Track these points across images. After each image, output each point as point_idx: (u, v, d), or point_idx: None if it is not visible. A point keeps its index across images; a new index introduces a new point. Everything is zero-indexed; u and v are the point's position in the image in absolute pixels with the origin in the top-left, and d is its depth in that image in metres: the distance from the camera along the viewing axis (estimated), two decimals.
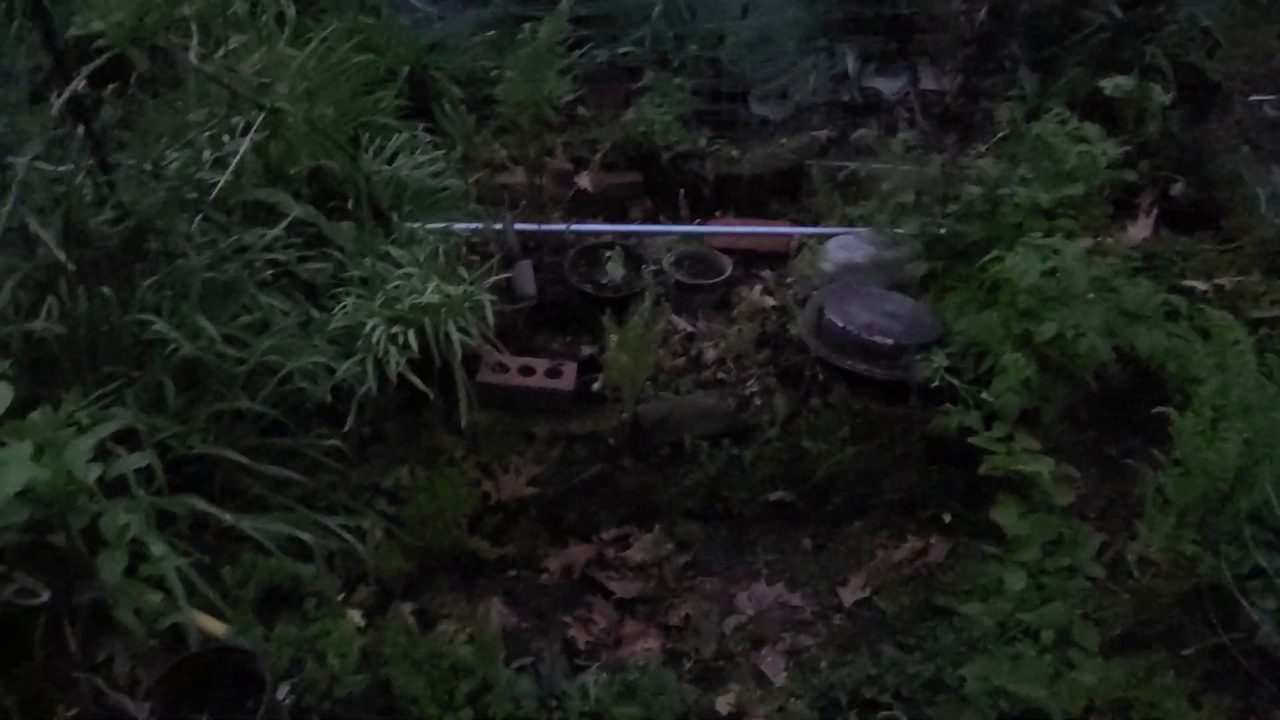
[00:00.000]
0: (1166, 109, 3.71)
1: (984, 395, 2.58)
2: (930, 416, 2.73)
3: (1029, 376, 2.48)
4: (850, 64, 4.12)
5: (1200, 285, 3.25)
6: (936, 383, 2.65)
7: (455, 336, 2.55)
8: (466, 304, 2.64)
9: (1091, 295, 2.52)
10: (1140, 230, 3.66)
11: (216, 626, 1.97)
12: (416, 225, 2.95)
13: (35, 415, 1.54)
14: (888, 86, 4.21)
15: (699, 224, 3.63)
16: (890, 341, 2.73)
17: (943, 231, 2.98)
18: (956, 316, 2.79)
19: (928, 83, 4.28)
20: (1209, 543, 2.14)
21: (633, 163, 3.97)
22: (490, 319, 2.63)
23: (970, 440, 2.30)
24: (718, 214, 3.84)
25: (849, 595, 2.64)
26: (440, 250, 2.84)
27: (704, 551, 2.80)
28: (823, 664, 2.43)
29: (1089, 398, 2.85)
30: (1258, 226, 3.57)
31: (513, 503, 2.71)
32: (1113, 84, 3.67)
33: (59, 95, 2.13)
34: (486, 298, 2.64)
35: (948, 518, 2.79)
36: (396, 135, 3.19)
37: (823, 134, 3.98)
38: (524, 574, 2.71)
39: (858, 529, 2.81)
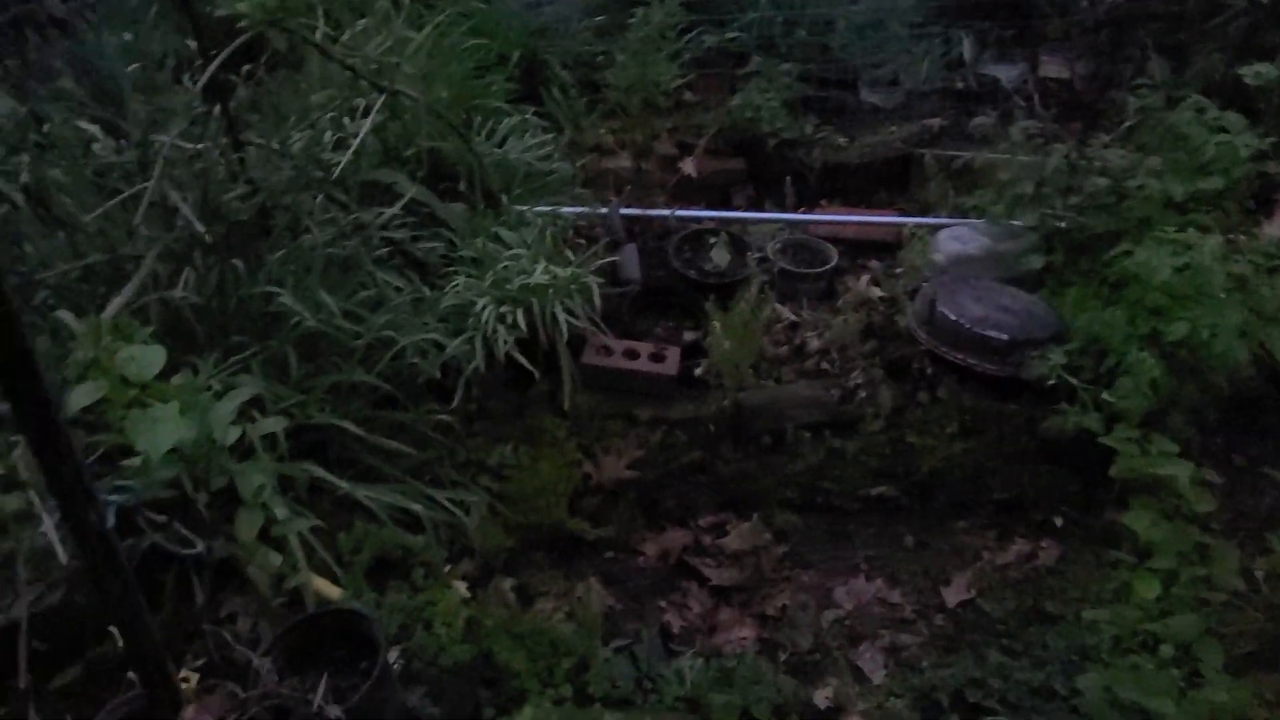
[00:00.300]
0: None
1: (1105, 396, 2.47)
2: (1043, 415, 2.64)
3: (1156, 377, 2.36)
4: (966, 50, 3.99)
5: None
6: (1052, 381, 2.55)
7: (562, 318, 2.57)
8: (573, 286, 2.67)
9: (1225, 295, 2.38)
10: (1278, 227, 3.44)
11: (332, 590, 2.04)
12: (525, 208, 2.98)
13: (177, 379, 1.62)
14: (1005, 74, 4.05)
15: (804, 212, 3.57)
16: (1005, 336, 2.64)
17: (1063, 224, 2.86)
18: (1076, 313, 2.68)
19: (1048, 70, 4.11)
20: None
21: (737, 149, 3.92)
22: (597, 301, 2.65)
23: (1100, 440, 2.20)
24: (823, 202, 3.77)
25: (952, 595, 2.57)
26: (548, 233, 2.86)
27: (802, 543, 2.76)
28: (923, 664, 2.37)
29: (1217, 402, 2.71)
30: None
31: (612, 485, 2.72)
32: (1253, 72, 3.44)
33: (199, 76, 2.23)
34: (593, 280, 2.66)
35: (1059, 521, 2.69)
36: (507, 119, 3.24)
37: (935, 122, 3.86)
38: (621, 556, 2.73)
39: (963, 528, 2.74)
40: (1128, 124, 3.27)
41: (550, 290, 2.63)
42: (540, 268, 2.61)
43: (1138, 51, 3.90)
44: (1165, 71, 3.81)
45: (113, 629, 1.75)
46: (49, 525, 1.47)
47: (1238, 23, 3.74)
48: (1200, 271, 2.41)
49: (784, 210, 3.51)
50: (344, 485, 2.14)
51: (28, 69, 3.15)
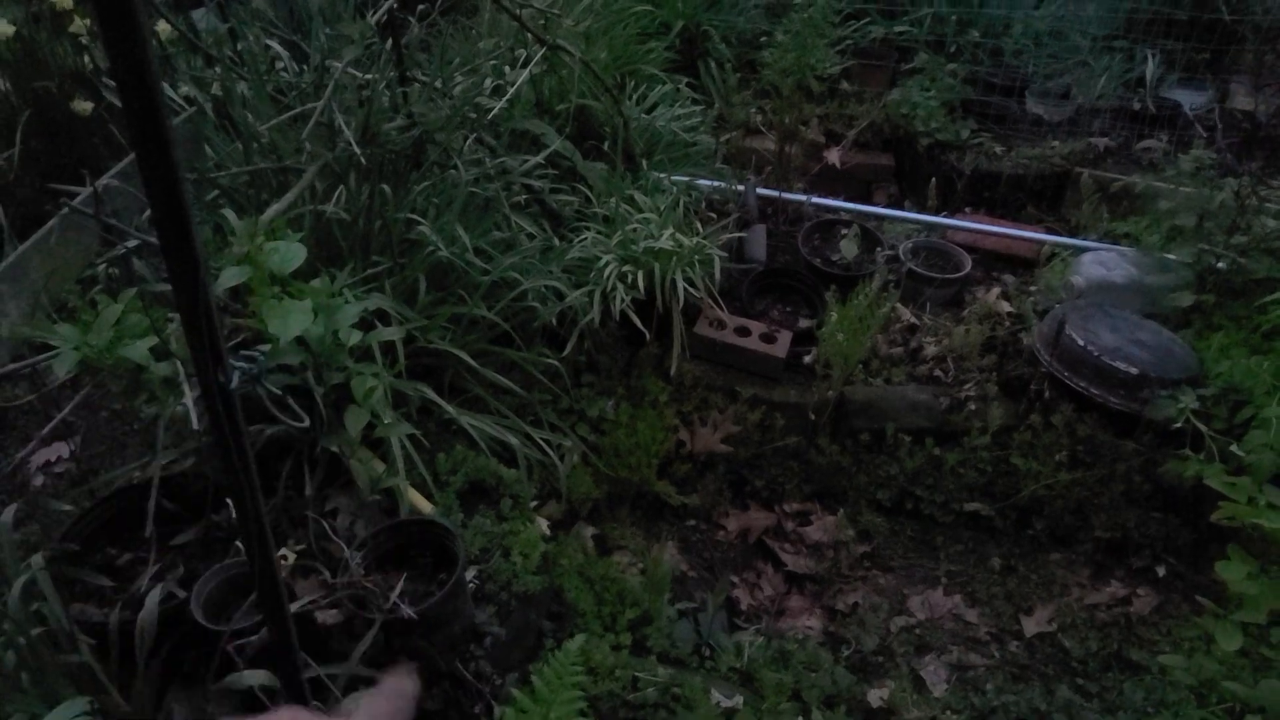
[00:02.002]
0: None
1: (1233, 448, 2.32)
2: (1163, 459, 2.51)
3: None
4: (1150, 69, 3.77)
5: None
6: (1179, 424, 2.43)
7: (680, 285, 2.62)
8: (697, 257, 2.71)
9: None
10: None
11: (425, 504, 2.18)
12: (664, 175, 3.04)
13: (316, 282, 1.77)
14: (1189, 99, 3.82)
15: (945, 216, 3.48)
16: (1134, 370, 2.52)
17: (1221, 264, 2.69)
18: (1219, 357, 2.53)
19: (1237, 101, 3.84)
20: None
21: (886, 144, 3.87)
22: (716, 275, 2.68)
23: (1205, 480, 2.09)
24: (967, 210, 3.67)
25: (1032, 625, 2.49)
26: (681, 202, 2.91)
27: (885, 546, 2.73)
28: (988, 686, 2.32)
29: None
30: None
31: (704, 455, 2.77)
32: None
33: (378, 10, 2.38)
34: (717, 254, 2.70)
35: (1162, 570, 2.56)
36: (660, 86, 3.30)
37: (1101, 141, 3.68)
38: (703, 526, 2.78)
39: (1056, 560, 2.65)
40: None
41: (674, 257, 2.69)
42: (667, 234, 2.67)
43: None
44: None
45: (229, 500, 1.93)
46: (189, 395, 1.64)
47: None
48: None
49: (924, 212, 3.43)
50: (451, 410, 2.27)
51: None
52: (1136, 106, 3.76)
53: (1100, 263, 2.93)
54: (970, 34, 4.00)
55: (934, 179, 3.46)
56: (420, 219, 2.38)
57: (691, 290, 2.63)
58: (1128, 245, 3.00)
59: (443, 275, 2.46)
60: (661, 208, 2.87)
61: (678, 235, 2.67)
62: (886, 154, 3.86)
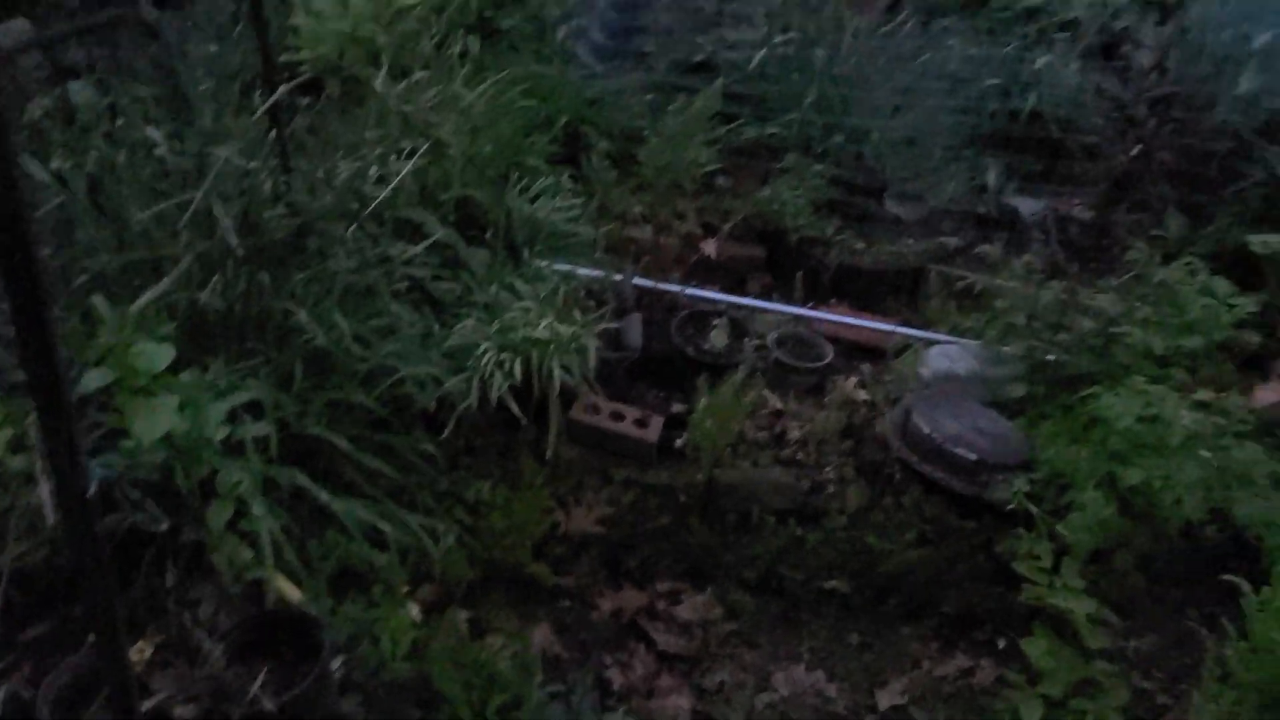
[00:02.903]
0: None
1: (1059, 528, 2.55)
2: (1001, 537, 2.73)
3: (1106, 518, 2.45)
4: (992, 178, 4.16)
5: None
6: (1012, 506, 2.65)
7: (557, 373, 2.73)
8: (573, 345, 2.82)
9: (1203, 452, 2.48)
10: (1270, 394, 3.52)
11: (293, 591, 2.17)
12: (544, 264, 3.17)
13: (185, 375, 1.79)
14: (1026, 206, 4.21)
15: (811, 308, 3.72)
16: (973, 456, 2.75)
17: (1050, 358, 2.98)
18: (1047, 445, 2.78)
19: (1072, 210, 4.26)
20: None
21: (759, 238, 4.10)
22: (592, 362, 2.80)
23: (1013, 565, 2.30)
24: (833, 301, 3.92)
25: (886, 698, 2.64)
26: (561, 290, 3.04)
27: (751, 623, 2.85)
28: None
29: (1179, 556, 2.78)
30: None
31: (579, 537, 2.84)
32: (1261, 241, 3.58)
33: (263, 101, 2.45)
34: (592, 342, 2.82)
35: (1002, 643, 2.75)
36: (543, 178, 3.44)
37: (952, 241, 4.02)
38: (577, 607, 2.84)
39: (908, 634, 2.81)
40: (1131, 274, 3.41)
41: (551, 345, 2.79)
42: (546, 322, 2.78)
43: (1156, 205, 4.04)
44: (1182, 228, 3.95)
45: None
46: (44, 487, 1.63)
47: (1256, 192, 3.88)
48: (1163, 424, 2.51)
49: (791, 303, 3.66)
50: (324, 495, 2.28)
51: (115, 67, 3.42)
52: (981, 210, 4.13)
53: (945, 355, 3.19)
54: (835, 138, 4.32)
55: (802, 272, 3.70)
56: (298, 307, 2.42)
57: (568, 377, 2.74)
58: (971, 339, 3.27)
59: (321, 362, 2.49)
60: (542, 296, 2.99)
61: (555, 324, 2.78)
62: (759, 246, 4.10)
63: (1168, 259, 3.29)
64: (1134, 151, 3.93)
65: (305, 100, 2.88)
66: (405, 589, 2.46)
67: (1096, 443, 2.61)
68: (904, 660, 2.73)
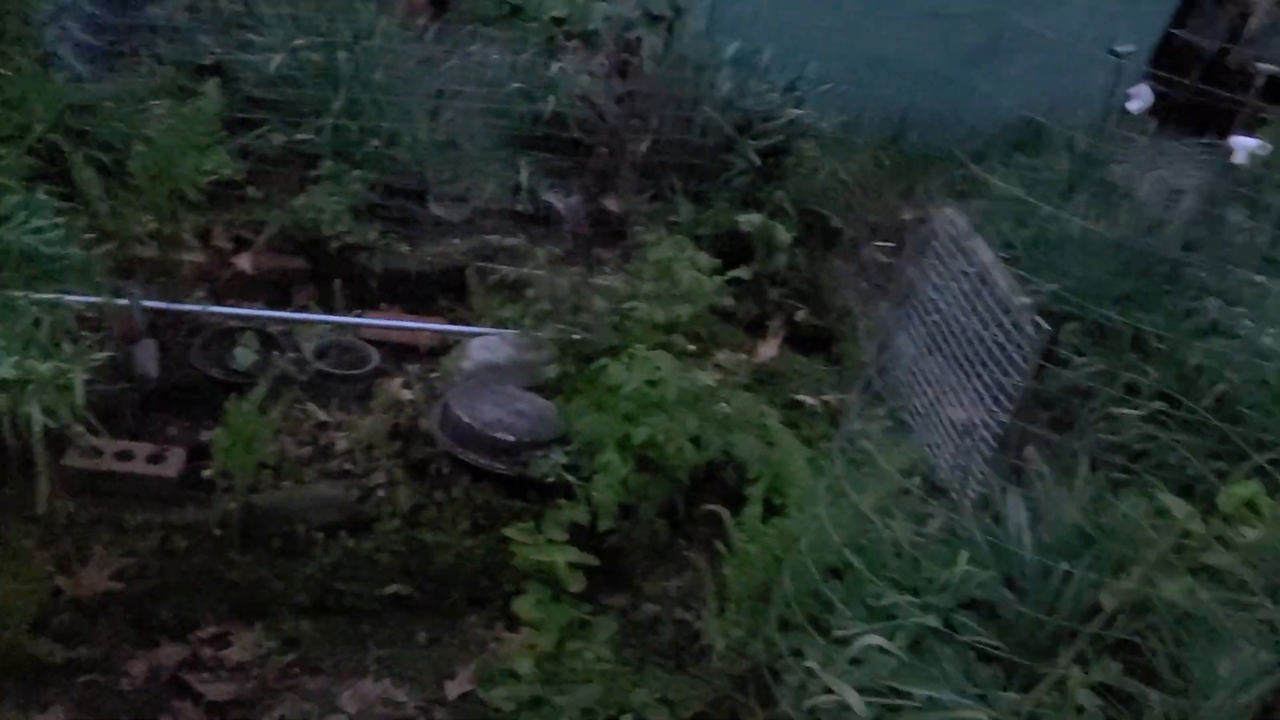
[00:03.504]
0: (791, 246, 4.29)
1: (591, 491, 2.77)
2: (551, 510, 2.88)
3: (625, 476, 2.70)
4: (525, 177, 4.39)
5: (810, 400, 3.72)
6: (552, 479, 2.82)
7: (36, 416, 2.36)
8: (57, 382, 2.47)
9: (681, 405, 2.81)
10: (768, 350, 4.14)
11: None
12: (19, 294, 2.73)
13: None
14: (562, 201, 4.51)
15: (358, 314, 3.64)
16: (511, 438, 2.87)
17: (575, 337, 3.21)
18: (577, 417, 3.00)
19: (606, 202, 4.64)
20: (758, 628, 2.41)
21: (300, 248, 3.93)
22: (81, 399, 2.46)
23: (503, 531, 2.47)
24: (383, 305, 3.88)
25: (454, 688, 2.66)
26: (44, 323, 2.64)
27: (312, 648, 2.72)
28: None
29: (694, 499, 3.14)
30: (859, 351, 4.17)
31: (92, 599, 2.50)
32: (746, 219, 4.20)
33: None
34: (79, 377, 2.47)
35: None
36: (12, 196, 2.97)
37: (495, 239, 4.17)
38: (100, 679, 2.50)
39: (474, 621, 2.87)
40: (642, 257, 3.80)
41: (29, 385, 2.41)
42: (11, 361, 2.39)
43: (670, 194, 4.56)
44: (691, 213, 4.49)
45: None
46: None
47: (741, 179, 4.54)
48: (664, 384, 2.83)
49: (333, 312, 3.55)
50: None
51: None
52: (519, 208, 4.34)
53: (486, 346, 3.31)
54: (372, 143, 4.27)
55: (338, 280, 3.60)
56: None
57: (51, 421, 2.38)
58: (511, 328, 3.43)
59: None
60: (19, 329, 2.57)
61: (27, 361, 2.41)
62: (301, 258, 3.92)
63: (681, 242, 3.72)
64: (643, 148, 4.38)
65: None
66: None
67: (612, 409, 2.87)
68: (470, 647, 2.78)
